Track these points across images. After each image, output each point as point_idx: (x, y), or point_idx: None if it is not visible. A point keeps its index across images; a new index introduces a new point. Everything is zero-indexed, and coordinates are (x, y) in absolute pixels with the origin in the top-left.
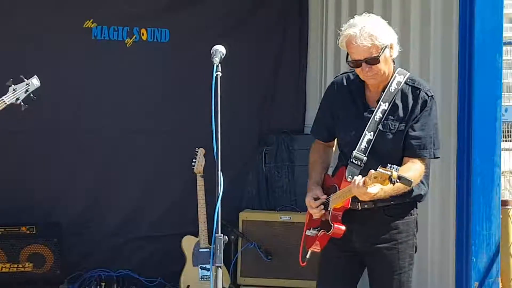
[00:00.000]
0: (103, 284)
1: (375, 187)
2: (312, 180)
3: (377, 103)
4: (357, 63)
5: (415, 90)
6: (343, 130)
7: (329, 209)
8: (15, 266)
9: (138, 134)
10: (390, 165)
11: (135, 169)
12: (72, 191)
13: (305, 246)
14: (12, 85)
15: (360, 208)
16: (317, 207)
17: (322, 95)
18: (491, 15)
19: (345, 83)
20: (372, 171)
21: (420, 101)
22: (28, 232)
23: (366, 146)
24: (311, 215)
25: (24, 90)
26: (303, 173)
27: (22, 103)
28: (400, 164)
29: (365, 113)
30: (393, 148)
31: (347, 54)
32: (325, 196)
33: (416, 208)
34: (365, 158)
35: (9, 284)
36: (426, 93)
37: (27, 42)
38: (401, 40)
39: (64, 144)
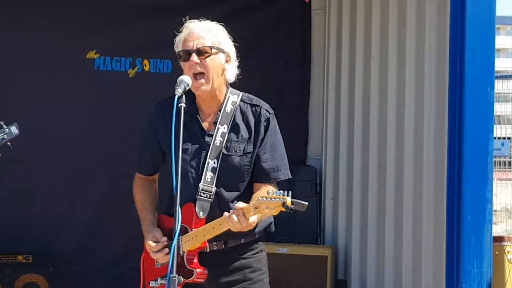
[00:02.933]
0: None
1: (255, 216)
2: (147, 222)
3: (215, 126)
4: (187, 54)
5: (255, 107)
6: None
7: (182, 252)
8: None
9: None
10: (272, 191)
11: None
12: (71, 220)
13: None
14: None
15: (209, 250)
16: (161, 250)
17: (325, 124)
18: (482, 49)
19: (173, 107)
20: (240, 203)
21: (262, 119)
22: (24, 261)
23: (212, 175)
24: (149, 264)
25: (0, 138)
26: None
27: None
28: (251, 190)
29: (204, 139)
30: (242, 173)
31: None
32: (165, 239)
33: (263, 242)
34: (214, 189)
35: None
36: (267, 111)
37: (30, 72)
38: (398, 70)
39: (64, 173)
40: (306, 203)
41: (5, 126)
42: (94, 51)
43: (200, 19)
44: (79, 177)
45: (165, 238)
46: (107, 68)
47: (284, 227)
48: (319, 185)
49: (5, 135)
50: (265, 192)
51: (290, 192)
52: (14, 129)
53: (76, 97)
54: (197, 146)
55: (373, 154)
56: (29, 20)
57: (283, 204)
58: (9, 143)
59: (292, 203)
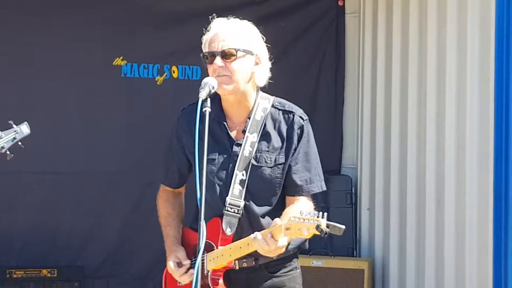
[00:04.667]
0: None
1: (284, 238)
2: (170, 239)
3: (244, 135)
4: (211, 56)
5: (287, 114)
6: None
7: (206, 272)
8: None
9: None
10: (306, 211)
11: None
12: (98, 233)
13: None
14: None
15: (237, 267)
16: (185, 273)
17: (360, 132)
18: None
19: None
20: (278, 220)
21: (296, 127)
22: (49, 275)
23: (241, 188)
24: (171, 283)
25: (11, 138)
26: (339, 215)
27: (8, 152)
28: (283, 204)
29: (231, 149)
30: (273, 186)
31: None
32: (188, 262)
33: (298, 258)
34: (242, 203)
35: None
36: (300, 117)
37: (55, 79)
38: (438, 73)
39: (90, 185)
40: (343, 226)
41: (15, 126)
42: (121, 57)
43: (228, 18)
44: (106, 189)
45: (188, 261)
46: (134, 75)
47: (318, 238)
48: (355, 195)
49: (17, 135)
50: (298, 209)
51: (325, 214)
52: (25, 128)
53: (102, 105)
54: (225, 156)
55: (411, 162)
56: (54, 26)
57: (317, 227)
58: (20, 143)
59: (328, 226)
